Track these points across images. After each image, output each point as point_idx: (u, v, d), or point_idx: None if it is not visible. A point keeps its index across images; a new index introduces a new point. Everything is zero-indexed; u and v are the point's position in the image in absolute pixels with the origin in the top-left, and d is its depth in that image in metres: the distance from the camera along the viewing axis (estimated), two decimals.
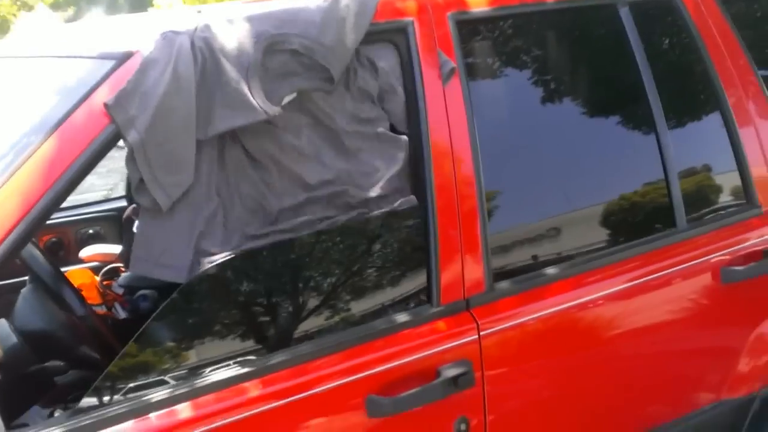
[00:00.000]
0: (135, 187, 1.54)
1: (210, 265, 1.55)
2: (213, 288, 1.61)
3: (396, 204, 1.75)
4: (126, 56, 1.57)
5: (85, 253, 2.77)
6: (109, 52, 1.62)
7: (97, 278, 2.63)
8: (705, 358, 2.21)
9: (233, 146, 1.64)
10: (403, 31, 1.80)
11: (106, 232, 3.06)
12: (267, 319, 1.69)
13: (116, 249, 2.71)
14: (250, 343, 1.64)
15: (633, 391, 2.07)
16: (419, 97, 1.78)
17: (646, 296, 2.04)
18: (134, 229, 1.75)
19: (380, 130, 1.77)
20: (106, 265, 2.67)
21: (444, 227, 1.78)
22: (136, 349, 1.50)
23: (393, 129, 1.79)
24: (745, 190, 2.24)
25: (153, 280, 2.05)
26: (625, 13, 2.10)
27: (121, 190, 4.58)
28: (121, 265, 2.64)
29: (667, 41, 2.24)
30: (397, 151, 1.77)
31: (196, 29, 1.59)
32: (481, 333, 1.79)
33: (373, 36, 1.75)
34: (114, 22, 2.36)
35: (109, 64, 1.57)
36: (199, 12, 1.74)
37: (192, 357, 1.59)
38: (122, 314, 2.48)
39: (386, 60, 1.79)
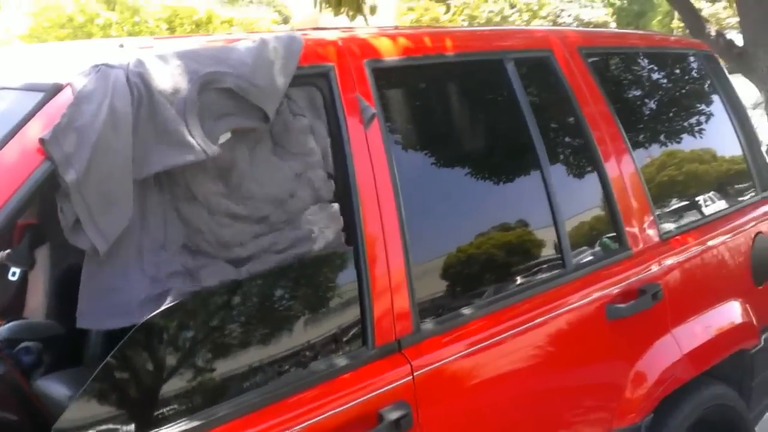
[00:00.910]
0: (70, 229, 1.41)
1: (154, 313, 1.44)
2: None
3: (327, 245, 1.73)
4: (55, 88, 1.46)
5: None
6: (35, 83, 1.51)
7: None
8: (599, 389, 2.34)
9: (168, 184, 1.56)
10: (325, 75, 1.82)
11: None
12: (204, 371, 1.58)
13: None
14: (184, 398, 1.52)
15: (543, 422, 2.15)
16: (344, 140, 1.80)
17: (548, 332, 2.14)
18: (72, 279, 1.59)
19: (309, 172, 1.75)
20: None
21: (374, 269, 1.78)
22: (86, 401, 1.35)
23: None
24: (617, 234, 2.43)
25: (36, 332, 1.88)
26: (510, 67, 2.25)
27: None
28: None
29: (545, 92, 2.42)
30: (326, 193, 1.77)
31: (129, 64, 1.51)
32: (415, 373, 1.79)
33: (298, 79, 1.76)
34: (31, 51, 2.20)
35: (37, 96, 1.45)
36: (122, 46, 1.66)
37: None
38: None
39: (311, 103, 1.79)
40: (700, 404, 2.62)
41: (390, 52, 1.98)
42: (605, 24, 32.03)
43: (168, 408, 1.48)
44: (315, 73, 1.81)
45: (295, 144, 1.75)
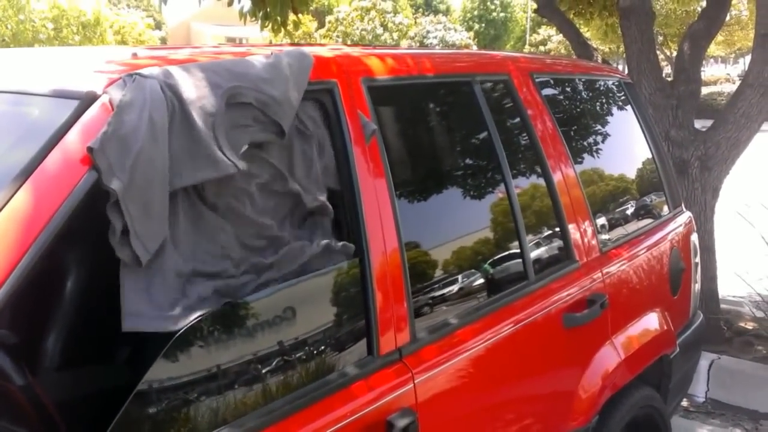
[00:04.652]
0: (117, 241, 1.37)
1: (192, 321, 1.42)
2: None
3: (336, 258, 1.76)
4: (90, 96, 1.43)
5: None
6: (67, 90, 1.46)
7: None
8: (557, 394, 2.48)
9: (193, 196, 1.55)
10: (329, 91, 1.86)
11: None
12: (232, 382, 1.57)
13: None
14: (200, 411, 1.50)
15: (509, 425, 2.26)
16: (349, 154, 1.84)
17: (518, 341, 2.26)
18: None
19: (316, 186, 1.78)
20: None
21: (379, 280, 1.84)
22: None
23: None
24: (567, 246, 2.59)
25: None
26: (477, 88, 2.37)
27: None
28: None
29: (505, 113, 2.54)
30: (333, 207, 1.80)
31: (160, 75, 1.50)
32: (416, 381, 1.85)
33: (307, 94, 1.79)
34: (41, 53, 2.08)
35: (72, 104, 1.41)
36: (135, 54, 1.63)
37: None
38: None
39: (318, 117, 1.83)
40: (633, 406, 2.83)
41: (381, 72, 2.04)
42: (468, 46, 33.42)
43: (180, 423, 1.45)
44: (321, 89, 1.84)
45: (302, 158, 1.77)
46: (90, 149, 1.34)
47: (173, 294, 1.44)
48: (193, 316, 1.43)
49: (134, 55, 1.69)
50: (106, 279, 1.43)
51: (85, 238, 1.47)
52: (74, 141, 1.36)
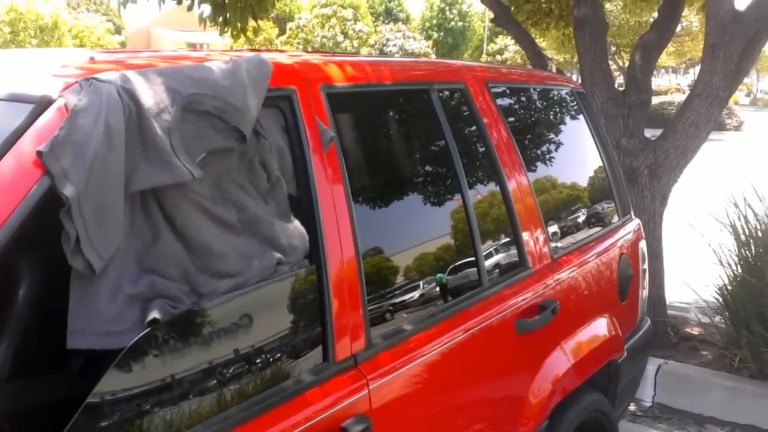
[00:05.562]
0: (71, 250, 1.36)
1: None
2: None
3: (295, 266, 1.77)
4: (45, 100, 1.41)
5: None
6: (22, 93, 1.44)
7: None
8: (510, 398, 2.52)
9: (148, 202, 1.54)
10: (288, 98, 1.87)
11: None
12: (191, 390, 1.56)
13: None
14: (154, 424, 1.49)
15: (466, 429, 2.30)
16: (307, 161, 1.85)
17: (471, 346, 2.29)
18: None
19: (273, 193, 1.79)
20: None
21: (336, 287, 1.85)
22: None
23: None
24: (520, 253, 2.64)
25: None
26: (435, 96, 2.40)
27: None
28: None
29: (461, 121, 2.58)
30: (290, 214, 1.81)
31: (116, 79, 1.49)
32: (370, 387, 1.87)
33: (266, 101, 1.79)
34: None
35: (27, 108, 1.39)
36: (92, 58, 1.62)
37: None
38: None
39: (276, 124, 1.83)
40: (582, 410, 2.88)
41: (340, 79, 2.06)
42: (427, 54, 33.63)
43: None
44: (279, 96, 1.85)
45: (260, 164, 1.78)
46: (40, 153, 1.33)
47: (121, 309, 1.42)
48: (140, 333, 1.41)
49: (91, 59, 1.68)
50: (59, 287, 1.41)
51: (38, 244, 1.46)
52: (28, 146, 1.35)
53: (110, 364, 1.35)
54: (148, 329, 1.42)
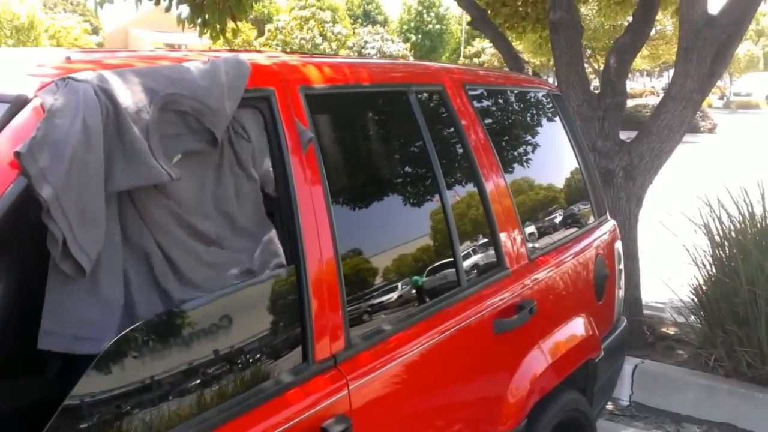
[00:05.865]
0: (60, 252, 1.35)
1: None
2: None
3: (272, 268, 1.77)
4: (21, 100, 1.41)
5: None
6: None
7: None
8: (488, 398, 2.54)
9: (125, 203, 1.53)
10: (267, 99, 1.87)
11: None
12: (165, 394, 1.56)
13: None
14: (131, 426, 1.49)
15: (446, 429, 2.30)
16: (285, 162, 1.86)
17: (450, 346, 2.30)
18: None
19: (251, 194, 1.79)
20: None
21: (315, 287, 1.85)
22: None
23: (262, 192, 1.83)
24: (497, 253, 2.66)
25: None
26: (413, 98, 2.41)
27: None
28: None
29: (439, 123, 2.59)
30: (268, 215, 1.81)
31: (93, 79, 1.48)
32: (350, 387, 1.87)
33: (244, 102, 1.79)
34: None
35: (2, 107, 1.38)
36: (69, 58, 1.61)
37: None
38: None
39: (255, 125, 1.83)
40: (560, 410, 2.91)
41: (319, 80, 2.07)
42: (405, 56, 33.72)
43: None
44: (258, 96, 1.85)
45: (237, 165, 1.78)
46: (18, 154, 1.32)
47: (95, 313, 1.42)
48: (113, 338, 1.40)
49: (68, 59, 1.67)
50: (37, 289, 1.40)
51: (14, 245, 1.45)
52: (3, 145, 1.34)
53: (88, 367, 1.35)
54: (122, 333, 1.41)
